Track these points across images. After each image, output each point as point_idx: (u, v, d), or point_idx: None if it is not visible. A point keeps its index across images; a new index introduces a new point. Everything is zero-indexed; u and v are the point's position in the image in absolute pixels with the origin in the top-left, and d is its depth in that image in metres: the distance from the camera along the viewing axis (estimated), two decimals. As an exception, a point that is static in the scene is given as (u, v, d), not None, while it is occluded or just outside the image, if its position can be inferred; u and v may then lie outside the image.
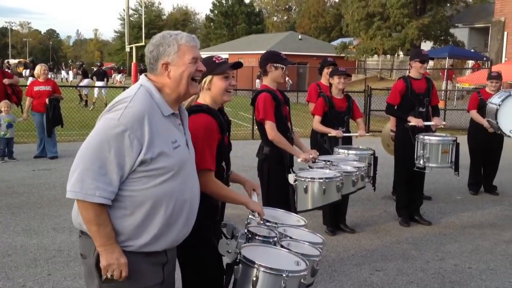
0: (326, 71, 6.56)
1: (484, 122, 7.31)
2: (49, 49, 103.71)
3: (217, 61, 2.92)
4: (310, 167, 4.58)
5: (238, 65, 2.98)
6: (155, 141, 2.17)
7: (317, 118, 5.94)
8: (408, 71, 6.44)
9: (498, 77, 7.80)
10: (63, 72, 43.90)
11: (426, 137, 5.90)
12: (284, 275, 2.39)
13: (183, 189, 2.31)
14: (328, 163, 4.66)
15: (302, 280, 2.46)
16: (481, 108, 7.48)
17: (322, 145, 5.93)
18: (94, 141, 2.16)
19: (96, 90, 21.02)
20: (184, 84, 2.31)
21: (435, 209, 6.88)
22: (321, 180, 4.00)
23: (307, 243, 2.90)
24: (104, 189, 2.12)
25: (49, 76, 11.00)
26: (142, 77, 2.37)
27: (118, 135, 2.12)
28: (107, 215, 2.17)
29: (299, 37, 46.60)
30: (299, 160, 4.59)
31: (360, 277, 4.58)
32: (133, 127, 2.13)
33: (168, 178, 2.23)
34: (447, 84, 22.76)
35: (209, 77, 2.90)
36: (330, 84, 6.05)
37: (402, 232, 5.91)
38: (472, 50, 30.83)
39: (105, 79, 22.42)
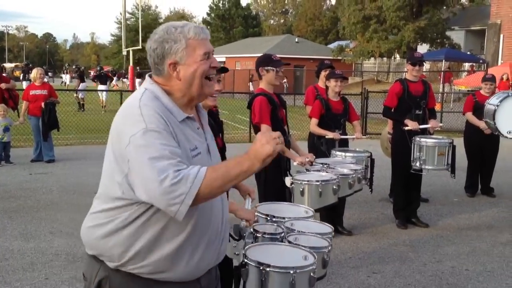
0: (323, 73, 6.56)
1: (480, 124, 7.33)
2: (45, 53, 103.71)
3: None
4: (307, 170, 4.60)
5: (222, 69, 2.95)
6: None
7: (314, 121, 5.96)
8: (404, 73, 6.46)
9: (493, 79, 7.84)
10: (64, 76, 43.09)
11: (422, 140, 5.93)
12: (292, 272, 2.37)
13: (204, 205, 1.94)
14: (325, 165, 4.68)
15: (312, 274, 2.45)
16: (477, 110, 7.51)
17: (319, 147, 5.94)
18: (145, 159, 1.77)
19: (100, 93, 21.05)
20: (197, 84, 1.97)
21: (432, 211, 6.90)
22: (318, 183, 4.01)
23: (316, 235, 2.89)
24: (183, 165, 1.78)
25: (45, 80, 10.97)
26: (146, 79, 2.04)
27: (159, 135, 1.79)
28: (210, 166, 1.83)
29: (296, 40, 46.69)
30: (295, 163, 4.61)
31: (357, 280, 4.59)
32: (165, 126, 1.83)
33: None
34: (444, 86, 22.85)
35: None
36: (327, 87, 6.07)
37: (399, 234, 5.92)
38: (468, 53, 30.95)
39: (108, 82, 22.40)
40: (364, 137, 6.66)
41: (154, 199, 1.76)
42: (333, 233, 3.03)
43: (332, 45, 44.85)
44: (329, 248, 2.79)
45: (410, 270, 4.83)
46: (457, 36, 35.63)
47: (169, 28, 1.97)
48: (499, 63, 27.24)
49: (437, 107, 16.49)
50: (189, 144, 1.93)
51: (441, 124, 6.65)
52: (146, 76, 2.06)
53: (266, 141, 1.80)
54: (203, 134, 2.07)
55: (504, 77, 19.85)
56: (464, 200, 7.59)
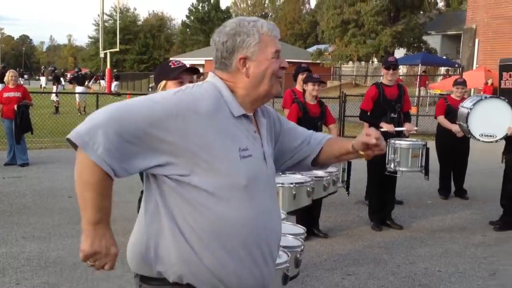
0: (301, 77, 6.60)
1: (452, 127, 7.45)
2: (22, 55, 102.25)
3: (172, 66, 2.87)
4: (281, 172, 4.62)
5: (193, 70, 2.95)
6: (216, 143, 1.72)
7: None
8: (382, 77, 6.55)
9: (464, 83, 7.98)
10: (42, 79, 41.78)
11: (397, 142, 6.02)
12: None
13: (256, 216, 1.79)
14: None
15: (285, 272, 2.46)
16: (449, 113, 7.63)
17: (296, 150, 5.95)
18: (135, 101, 1.72)
19: (77, 95, 20.80)
20: (266, 84, 1.84)
21: (406, 213, 6.96)
22: (291, 185, 4.04)
23: (288, 235, 2.93)
24: (114, 158, 1.63)
25: (20, 82, 10.82)
26: (209, 74, 1.90)
27: (165, 109, 1.68)
28: (111, 187, 1.70)
29: (275, 43, 46.82)
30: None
31: (332, 282, 4.60)
32: (186, 112, 1.70)
33: (232, 197, 1.74)
34: (419, 90, 23.17)
35: (163, 82, 2.87)
36: (304, 90, 6.10)
37: (374, 236, 5.96)
38: (444, 57, 31.43)
39: (85, 84, 22.19)
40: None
41: (90, 119, 1.66)
42: (305, 234, 3.07)
43: (311, 49, 45.06)
44: (302, 247, 2.82)
45: (384, 271, 4.87)
46: (434, 40, 36.15)
47: (241, 21, 1.84)
48: (474, 67, 27.67)
49: (413, 111, 16.67)
50: (239, 143, 1.77)
51: (416, 128, 6.75)
52: (210, 72, 1.93)
53: (95, 253, 1.71)
54: (260, 139, 1.90)
55: (489, 81, 20.16)
56: (438, 202, 7.68)
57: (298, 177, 4.28)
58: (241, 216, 1.76)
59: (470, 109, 6.81)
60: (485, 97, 7.05)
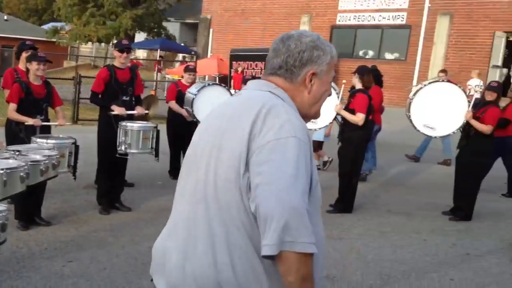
0: (24, 55, 6.17)
1: (182, 111, 7.84)
2: None
3: None
4: (-6, 158, 4.21)
5: None
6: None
7: (12, 106, 5.55)
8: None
9: (194, 69, 8.48)
10: None
11: (128, 124, 6.06)
12: None
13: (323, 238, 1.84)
14: (16, 153, 4.36)
15: None
16: (179, 98, 7.99)
17: (18, 134, 5.57)
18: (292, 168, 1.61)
19: None
20: (318, 105, 1.87)
21: (136, 195, 7.01)
22: (1, 171, 3.70)
23: None
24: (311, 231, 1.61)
25: None
26: (262, 83, 1.84)
27: (307, 155, 1.66)
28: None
29: (5, 17, 42.51)
30: (-23, 151, 4.16)
31: (51, 270, 4.40)
32: (309, 145, 1.70)
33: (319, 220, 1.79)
34: (157, 75, 23.79)
35: None
36: (28, 69, 5.69)
37: (101, 220, 5.89)
38: (182, 44, 32.85)
39: None
40: (68, 123, 6.46)
41: (279, 213, 1.56)
42: (9, 211, 3.05)
43: (46, 26, 42.15)
44: (7, 213, 3.06)
45: (108, 254, 4.86)
46: (173, 27, 37.40)
47: (319, 37, 1.84)
48: (209, 55, 29.61)
49: (152, 94, 16.95)
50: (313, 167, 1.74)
51: (147, 111, 6.89)
52: (263, 82, 1.85)
53: None
54: None
55: (239, 69, 21.58)
56: (168, 183, 7.85)
57: (10, 162, 3.94)
58: (322, 238, 1.80)
59: (195, 95, 7.33)
60: (208, 84, 7.65)
